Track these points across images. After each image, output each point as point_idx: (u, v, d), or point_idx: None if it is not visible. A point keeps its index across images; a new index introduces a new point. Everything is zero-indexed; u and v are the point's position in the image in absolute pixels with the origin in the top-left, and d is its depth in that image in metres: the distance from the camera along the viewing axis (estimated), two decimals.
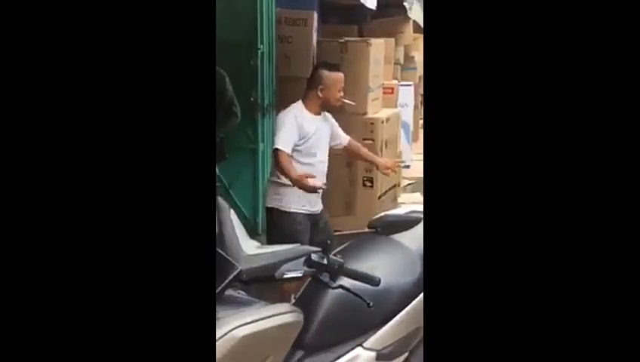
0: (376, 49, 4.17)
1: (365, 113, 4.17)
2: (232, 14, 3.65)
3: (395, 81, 5.11)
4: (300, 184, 2.54)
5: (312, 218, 2.85)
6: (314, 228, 2.86)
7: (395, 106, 4.88)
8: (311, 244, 2.28)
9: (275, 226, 2.82)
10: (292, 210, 2.76)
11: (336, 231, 4.31)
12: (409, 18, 5.52)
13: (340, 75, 2.87)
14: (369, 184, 4.15)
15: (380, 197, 4.24)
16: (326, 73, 2.84)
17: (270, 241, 2.77)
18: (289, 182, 2.62)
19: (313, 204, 2.82)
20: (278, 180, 2.76)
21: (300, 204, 2.75)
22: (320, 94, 2.82)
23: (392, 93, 4.78)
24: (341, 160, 4.35)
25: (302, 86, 4.25)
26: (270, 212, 2.86)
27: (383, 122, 4.21)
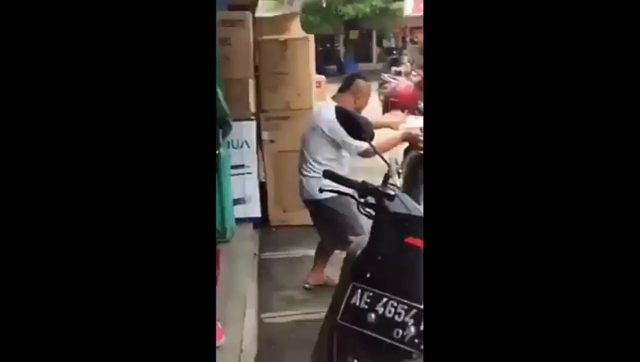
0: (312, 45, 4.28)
1: (311, 107, 4.25)
2: None
3: (321, 76, 5.22)
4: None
5: None
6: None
7: (325, 99, 5.00)
8: None
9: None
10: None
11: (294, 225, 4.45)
12: (296, 14, 5.51)
13: (370, 85, 3.15)
14: None
15: None
16: (362, 83, 3.05)
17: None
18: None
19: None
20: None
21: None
22: (355, 102, 3.01)
23: (320, 87, 4.88)
24: (292, 155, 4.42)
25: (244, 87, 4.33)
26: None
27: None
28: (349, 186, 1.69)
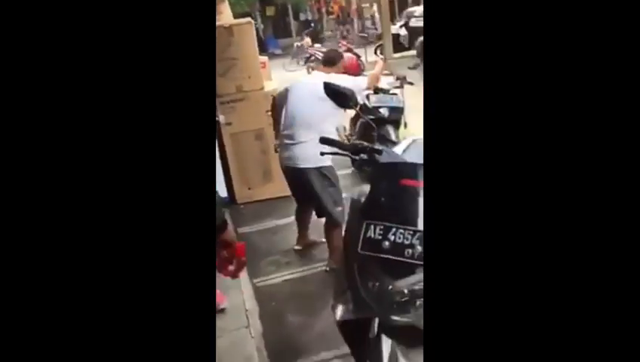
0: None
1: (262, 88, 4.51)
2: None
3: (264, 57, 5.46)
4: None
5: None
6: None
7: (270, 79, 5.24)
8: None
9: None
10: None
11: (261, 200, 4.74)
12: None
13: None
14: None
15: None
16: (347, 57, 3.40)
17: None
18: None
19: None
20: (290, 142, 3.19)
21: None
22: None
23: (265, 67, 5.09)
24: (250, 135, 4.70)
25: None
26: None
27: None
28: (344, 148, 2.04)
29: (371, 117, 4.25)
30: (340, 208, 3.18)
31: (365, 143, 1.99)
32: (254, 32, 4.49)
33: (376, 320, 1.72)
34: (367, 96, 4.32)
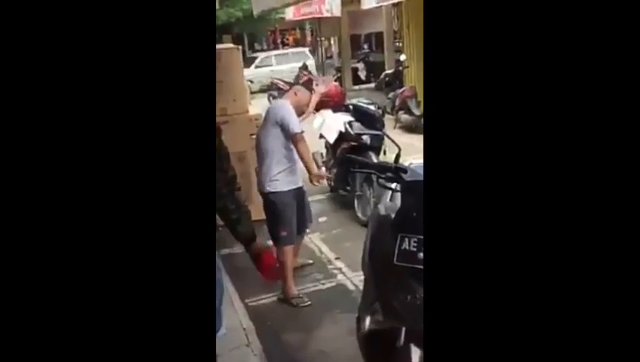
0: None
1: (247, 111, 4.59)
2: None
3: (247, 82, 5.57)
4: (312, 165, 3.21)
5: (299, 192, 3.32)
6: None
7: (250, 103, 5.35)
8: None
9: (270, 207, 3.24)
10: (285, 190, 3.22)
11: None
12: None
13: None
14: None
15: None
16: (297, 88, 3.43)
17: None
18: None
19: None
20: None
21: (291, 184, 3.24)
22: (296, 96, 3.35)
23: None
24: (232, 157, 4.72)
25: None
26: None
27: (262, 116, 4.68)
28: (370, 167, 2.16)
29: (353, 143, 4.41)
30: (283, 233, 3.24)
31: (390, 163, 2.12)
32: (241, 57, 4.59)
33: (404, 330, 1.81)
34: (350, 123, 4.47)
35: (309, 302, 3.25)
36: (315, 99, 3.60)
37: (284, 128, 3.12)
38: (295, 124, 3.13)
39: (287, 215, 3.25)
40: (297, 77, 11.90)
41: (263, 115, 3.40)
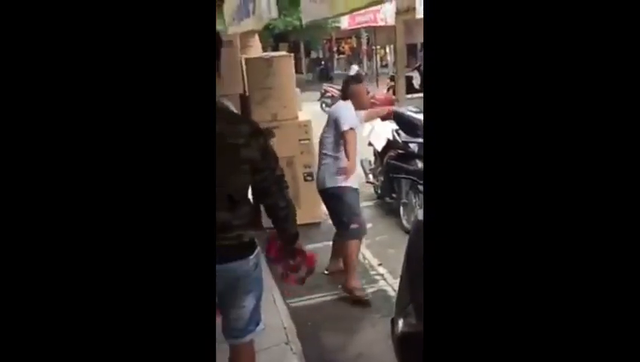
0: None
1: (297, 117, 4.70)
2: None
3: (297, 89, 5.68)
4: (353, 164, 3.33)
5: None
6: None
7: (300, 109, 5.46)
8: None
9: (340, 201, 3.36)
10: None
11: None
12: (255, 31, 5.59)
13: (361, 85, 3.60)
14: (309, 178, 4.68)
15: None
16: (354, 87, 3.51)
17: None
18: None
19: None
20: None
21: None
22: (354, 104, 3.46)
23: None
24: (281, 161, 4.85)
25: (235, 103, 4.69)
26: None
27: (311, 122, 4.78)
28: (409, 173, 2.20)
29: (400, 151, 4.43)
30: (354, 225, 3.37)
31: None
32: (292, 65, 4.71)
33: None
34: (397, 132, 4.50)
35: (370, 296, 3.38)
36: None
37: (337, 127, 3.30)
38: (345, 121, 3.29)
39: (357, 207, 3.42)
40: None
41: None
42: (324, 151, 3.41)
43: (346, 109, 3.37)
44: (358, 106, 3.47)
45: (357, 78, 3.76)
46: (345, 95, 3.49)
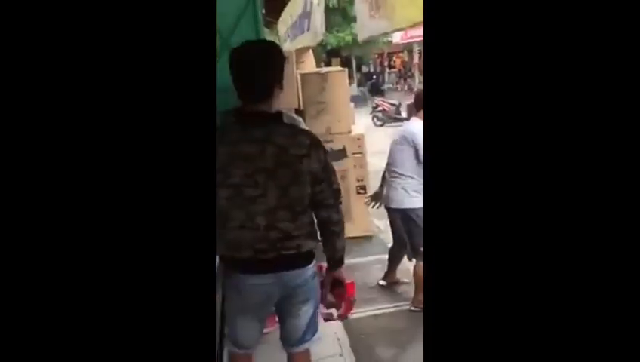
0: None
1: (350, 131, 4.75)
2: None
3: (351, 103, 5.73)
4: None
5: None
6: None
7: (354, 123, 5.48)
8: None
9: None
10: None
11: None
12: (309, 47, 5.66)
13: None
14: (362, 191, 4.71)
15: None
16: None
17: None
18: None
19: None
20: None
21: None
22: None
23: None
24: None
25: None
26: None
27: (364, 136, 4.82)
28: None
29: None
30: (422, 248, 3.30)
31: None
32: (347, 80, 4.78)
33: None
34: None
35: None
36: None
37: (418, 147, 3.25)
38: None
39: None
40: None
41: (396, 134, 3.51)
42: (397, 170, 3.34)
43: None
44: None
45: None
46: (417, 109, 3.44)
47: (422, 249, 3.31)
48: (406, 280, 3.82)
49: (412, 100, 3.66)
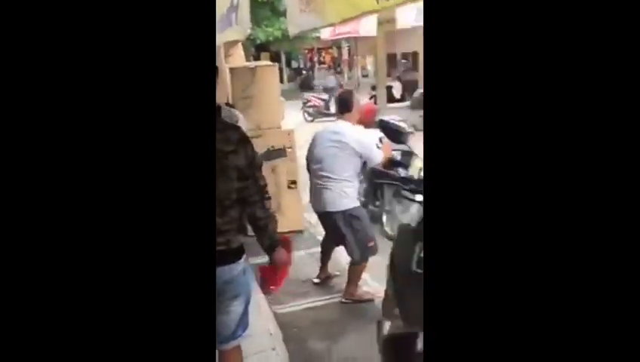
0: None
1: (280, 126, 4.74)
2: None
3: (281, 98, 5.73)
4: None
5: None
6: None
7: (283, 118, 5.49)
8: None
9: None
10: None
11: None
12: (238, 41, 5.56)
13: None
14: (293, 186, 4.71)
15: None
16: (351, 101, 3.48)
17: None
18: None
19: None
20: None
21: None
22: (358, 119, 3.55)
23: None
24: (267, 168, 4.88)
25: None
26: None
27: (294, 131, 4.82)
28: (394, 179, 2.26)
29: None
30: (371, 243, 3.38)
31: (413, 176, 2.21)
32: (277, 74, 4.75)
33: (422, 335, 1.88)
34: (381, 140, 4.56)
35: (372, 296, 3.43)
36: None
37: (364, 157, 3.32)
38: (378, 157, 3.39)
39: (368, 225, 3.42)
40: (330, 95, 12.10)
41: (318, 136, 3.48)
42: (333, 176, 3.28)
43: (364, 136, 3.40)
44: (361, 122, 3.55)
45: (350, 93, 3.63)
46: (343, 111, 3.41)
47: (370, 244, 3.36)
48: (337, 272, 3.87)
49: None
